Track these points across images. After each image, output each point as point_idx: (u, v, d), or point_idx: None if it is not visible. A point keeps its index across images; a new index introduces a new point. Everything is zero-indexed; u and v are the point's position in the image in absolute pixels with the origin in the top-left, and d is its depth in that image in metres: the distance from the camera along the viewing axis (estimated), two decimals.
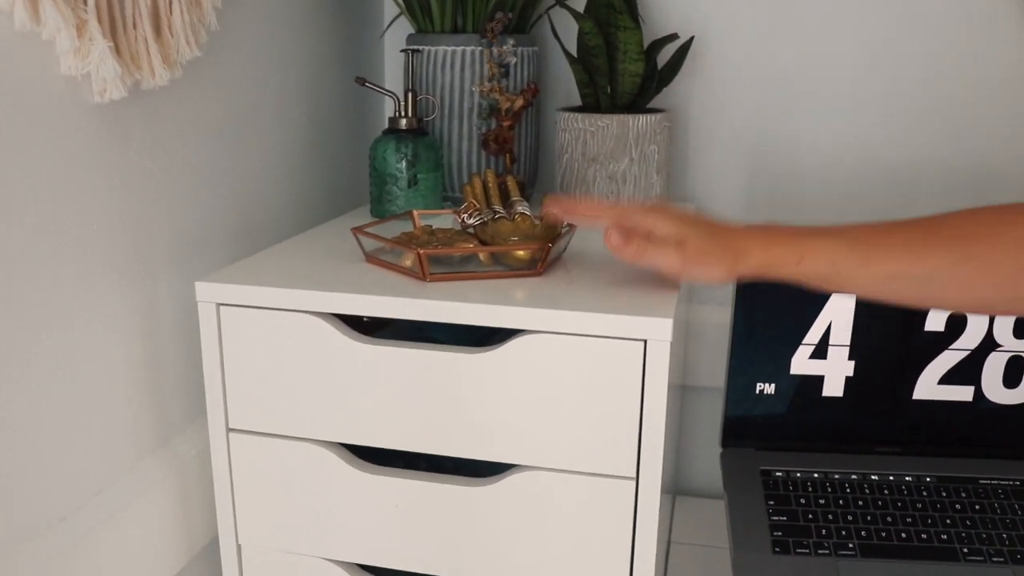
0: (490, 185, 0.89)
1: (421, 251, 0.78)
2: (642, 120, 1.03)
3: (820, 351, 1.03)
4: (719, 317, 1.21)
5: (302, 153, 1.09)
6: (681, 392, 1.24)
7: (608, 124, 1.03)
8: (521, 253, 0.81)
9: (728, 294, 1.12)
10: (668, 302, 0.74)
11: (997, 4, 1.10)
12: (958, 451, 1.05)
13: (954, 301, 0.70)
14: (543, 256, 0.81)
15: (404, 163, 1.01)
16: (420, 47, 1.08)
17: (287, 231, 1.05)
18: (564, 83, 1.23)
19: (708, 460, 1.30)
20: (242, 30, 0.94)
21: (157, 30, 0.78)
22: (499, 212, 0.85)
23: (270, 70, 1.00)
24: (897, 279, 0.70)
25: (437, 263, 0.83)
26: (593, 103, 1.08)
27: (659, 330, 0.70)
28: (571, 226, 0.87)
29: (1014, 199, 0.71)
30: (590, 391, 0.73)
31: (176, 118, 0.84)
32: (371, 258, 0.85)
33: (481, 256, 0.84)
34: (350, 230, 0.88)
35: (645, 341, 0.71)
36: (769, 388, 1.04)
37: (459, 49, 1.06)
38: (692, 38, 1.09)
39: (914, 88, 1.15)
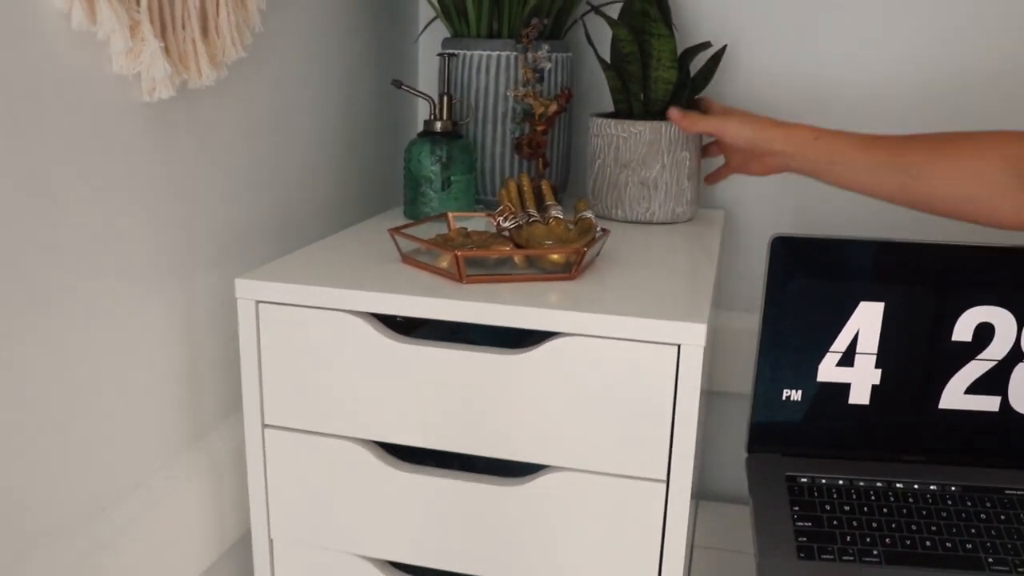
0: (525, 189, 0.90)
1: (459, 253, 0.79)
2: (674, 127, 1.04)
3: (847, 359, 1.04)
4: (746, 323, 1.22)
5: (339, 154, 1.10)
6: (707, 397, 1.25)
7: (641, 130, 1.04)
8: (556, 257, 0.83)
9: (756, 301, 1.13)
10: (702, 307, 0.75)
11: None
12: (984, 461, 1.05)
13: (939, 194, 0.84)
14: (578, 260, 0.82)
15: (439, 165, 1.03)
16: (456, 51, 1.09)
17: (323, 230, 1.07)
18: (597, 89, 1.24)
19: (731, 465, 1.31)
20: (284, 32, 0.95)
21: (204, 31, 0.79)
22: (534, 216, 0.87)
23: (310, 72, 1.02)
24: (885, 167, 0.86)
25: (473, 265, 0.84)
26: (626, 109, 1.09)
27: (693, 335, 0.71)
28: (604, 231, 0.88)
29: None
30: (623, 394, 0.74)
31: (220, 118, 0.86)
32: (407, 259, 0.87)
33: (516, 259, 0.85)
34: (387, 231, 0.89)
35: (679, 346, 0.72)
36: (796, 395, 1.05)
37: (494, 54, 1.08)
38: (725, 46, 1.10)
39: (950, 98, 1.15)
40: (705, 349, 0.72)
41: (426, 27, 1.27)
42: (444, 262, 0.83)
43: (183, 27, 0.77)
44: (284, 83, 0.96)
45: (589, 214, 0.88)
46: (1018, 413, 1.04)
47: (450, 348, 0.77)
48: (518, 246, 0.85)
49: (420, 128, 1.06)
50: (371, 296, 0.78)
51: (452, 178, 1.03)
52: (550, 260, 0.83)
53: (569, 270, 0.82)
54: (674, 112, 1.02)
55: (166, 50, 0.75)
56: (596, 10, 1.09)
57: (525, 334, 0.79)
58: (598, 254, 0.90)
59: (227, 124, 0.87)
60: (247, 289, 0.81)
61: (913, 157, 0.85)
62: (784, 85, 1.19)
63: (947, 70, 1.15)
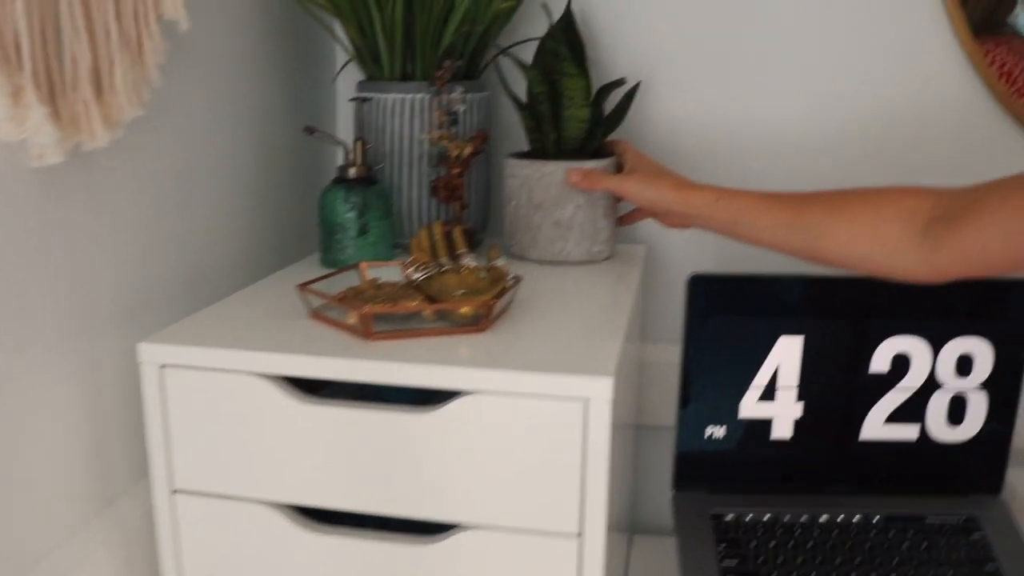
0: (436, 237, 0.89)
1: (365, 310, 0.78)
2: (588, 166, 1.03)
3: (769, 393, 1.04)
4: (674, 356, 1.22)
5: (252, 204, 1.08)
6: (635, 431, 1.24)
7: (554, 170, 1.03)
8: (466, 309, 0.82)
9: (680, 332, 1.12)
10: (610, 358, 0.74)
11: (948, 53, 1.12)
12: (905, 489, 1.06)
13: (838, 251, 0.86)
14: (486, 313, 0.81)
15: (353, 212, 1.01)
16: (369, 95, 1.08)
17: (236, 283, 1.05)
18: (515, 128, 1.24)
19: (664, 497, 1.30)
20: (188, 84, 0.93)
21: (99, 91, 0.77)
22: (445, 265, 0.86)
23: (217, 123, 1.00)
24: (786, 227, 0.87)
25: (381, 320, 0.83)
26: (540, 149, 1.09)
27: (600, 389, 0.71)
28: (517, 278, 0.87)
29: None
30: (532, 449, 0.73)
31: (119, 177, 0.84)
32: (316, 314, 0.85)
33: (426, 312, 0.84)
34: (295, 287, 0.88)
35: (587, 400, 0.71)
36: (719, 431, 1.05)
37: (408, 97, 1.07)
38: (638, 83, 1.11)
39: (863, 132, 1.17)
40: (615, 401, 0.72)
41: (340, 71, 1.25)
42: (352, 319, 0.82)
43: (74, 89, 0.75)
44: (189, 136, 0.95)
45: (501, 262, 0.87)
46: (936, 440, 1.05)
47: (358, 408, 0.76)
48: (429, 297, 0.84)
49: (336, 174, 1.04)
50: (276, 357, 0.76)
51: (369, 224, 1.02)
52: (460, 313, 0.82)
53: (479, 322, 0.82)
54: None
55: (56, 114, 0.72)
56: (505, 52, 1.09)
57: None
58: (510, 303, 0.90)
59: (127, 183, 0.85)
60: (150, 353, 0.79)
61: (812, 217, 0.86)
62: (700, 121, 1.20)
63: (859, 115, 1.16)
